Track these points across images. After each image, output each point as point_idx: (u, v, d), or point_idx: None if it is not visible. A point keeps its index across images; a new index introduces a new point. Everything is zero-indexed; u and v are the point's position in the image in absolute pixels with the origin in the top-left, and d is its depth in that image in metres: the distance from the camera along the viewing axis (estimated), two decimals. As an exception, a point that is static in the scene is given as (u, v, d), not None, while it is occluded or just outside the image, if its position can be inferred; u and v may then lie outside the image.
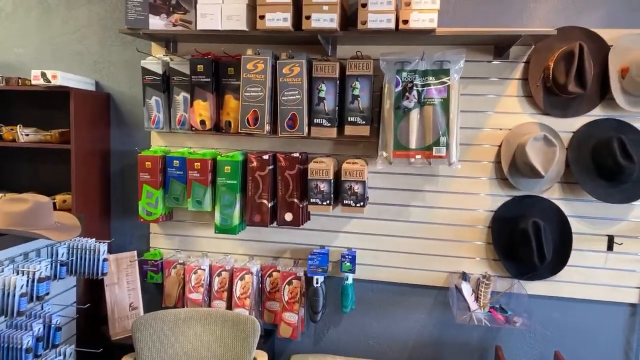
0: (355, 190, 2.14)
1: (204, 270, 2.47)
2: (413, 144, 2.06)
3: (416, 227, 2.36)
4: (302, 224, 2.31)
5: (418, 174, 2.33)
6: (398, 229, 2.38)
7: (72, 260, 2.09)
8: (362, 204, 2.15)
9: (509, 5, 2.22)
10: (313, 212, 2.40)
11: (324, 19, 1.96)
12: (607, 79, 2.10)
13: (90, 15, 2.55)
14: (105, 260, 2.14)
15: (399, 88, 2.07)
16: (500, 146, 2.25)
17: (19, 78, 2.37)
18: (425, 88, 2.05)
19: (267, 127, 2.16)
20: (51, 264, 2.01)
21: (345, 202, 2.16)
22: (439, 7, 1.90)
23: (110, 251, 2.59)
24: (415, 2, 1.90)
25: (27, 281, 1.77)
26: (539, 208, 2.22)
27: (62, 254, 2.06)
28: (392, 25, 1.93)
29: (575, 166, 2.16)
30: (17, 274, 1.79)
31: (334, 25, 1.96)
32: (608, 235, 2.21)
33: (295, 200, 2.24)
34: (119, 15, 2.51)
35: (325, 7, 1.96)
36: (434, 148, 2.04)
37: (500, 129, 2.25)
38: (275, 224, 2.30)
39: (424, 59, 2.07)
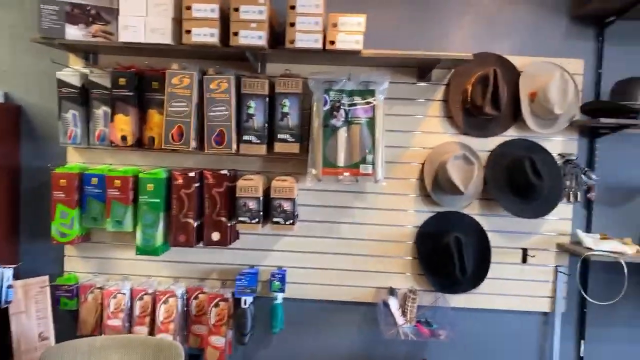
0: (285, 208, 2.13)
1: (124, 294, 2.32)
2: (341, 162, 2.09)
3: (345, 243, 2.38)
4: (230, 243, 2.24)
5: (347, 191, 2.36)
6: (328, 246, 2.38)
7: (-30, 288, 1.89)
8: (291, 221, 2.13)
9: (430, 29, 2.33)
10: (242, 230, 2.35)
11: (252, 36, 1.95)
12: (519, 102, 2.26)
13: (0, 22, 2.37)
14: (9, 287, 1.97)
15: (327, 107, 2.09)
16: (423, 164, 2.33)
17: None
18: (352, 108, 2.09)
19: (192, 143, 2.10)
20: (-56, 294, 1.80)
21: (275, 220, 2.13)
22: (364, 29, 1.96)
23: (17, 277, 2.36)
24: (341, 24, 1.95)
25: None
26: (461, 223, 2.32)
27: (-42, 282, 1.86)
28: (319, 45, 1.95)
29: (492, 183, 2.28)
30: None
31: (262, 42, 1.96)
32: (522, 249, 2.35)
33: (223, 219, 2.18)
34: (32, 23, 2.35)
35: (254, 25, 1.95)
36: (361, 166, 2.08)
37: (424, 148, 2.34)
38: (201, 244, 2.22)
39: (350, 79, 2.12)
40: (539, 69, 2.27)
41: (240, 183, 2.12)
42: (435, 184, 2.30)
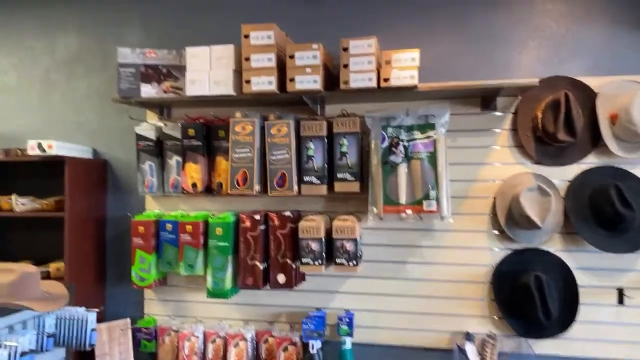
0: (348, 249, 2.09)
1: (197, 337, 2.38)
2: (403, 199, 2.03)
3: (415, 285, 2.27)
4: (296, 285, 2.24)
5: (413, 229, 2.28)
6: (396, 287, 2.29)
7: (60, 331, 2.04)
8: (355, 262, 2.08)
9: (492, 57, 2.25)
10: (307, 272, 2.34)
11: (307, 81, 2.00)
12: (597, 126, 2.07)
13: (89, 87, 2.65)
14: (93, 330, 2.08)
15: (386, 143, 2.06)
16: (495, 198, 2.19)
17: (18, 149, 2.44)
18: (411, 142, 2.04)
19: (256, 187, 2.15)
20: (37, 336, 1.96)
21: (338, 260, 2.10)
22: (418, 64, 1.93)
23: (103, 319, 2.53)
24: (395, 60, 1.93)
25: (9, 356, 1.72)
26: (541, 261, 2.13)
27: (50, 325, 2.01)
28: (373, 84, 1.95)
29: (573, 216, 2.08)
30: (2, 348, 1.74)
31: (318, 86, 2.00)
32: (617, 288, 2.09)
33: (288, 260, 2.19)
34: (115, 85, 2.60)
35: (309, 70, 2.00)
36: (424, 202, 2.00)
37: (494, 180, 2.21)
38: (268, 286, 2.23)
39: (408, 114, 2.08)
40: (618, 88, 2.07)
41: (302, 224, 2.12)
42: (510, 218, 2.14)
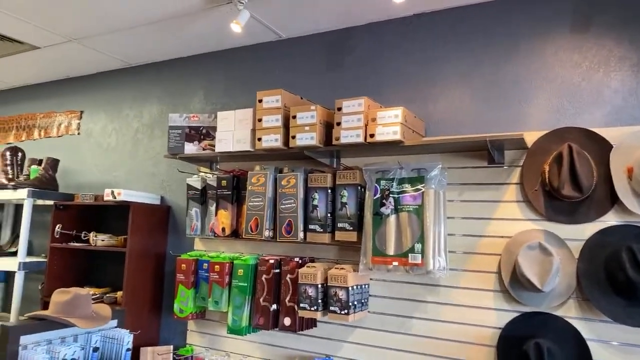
0: (340, 297, 2.16)
1: (222, 369, 2.61)
2: (391, 251, 2.05)
3: (419, 341, 2.21)
4: (301, 330, 2.34)
5: (418, 283, 2.24)
6: (401, 342, 2.25)
7: (103, 347, 2.44)
8: (346, 311, 2.14)
9: (502, 108, 2.19)
10: (305, 317, 2.43)
11: (306, 138, 2.20)
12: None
13: (162, 146, 3.21)
14: (128, 350, 2.45)
15: (377, 195, 2.13)
16: (501, 255, 2.07)
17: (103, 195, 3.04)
18: (400, 195, 2.08)
19: (266, 233, 2.37)
20: (84, 349, 2.37)
21: (331, 308, 2.17)
22: (401, 120, 2.01)
23: (156, 343, 2.91)
24: (380, 118, 2.04)
25: (51, 360, 2.13)
26: (552, 328, 1.93)
27: (96, 341, 2.43)
28: (360, 139, 2.07)
29: (585, 280, 1.87)
30: (47, 353, 2.17)
31: (314, 142, 2.18)
32: (645, 369, 1.78)
33: (294, 305, 2.32)
34: (180, 143, 3.11)
35: (307, 128, 2.21)
36: (410, 255, 2.00)
37: (502, 237, 2.10)
38: (277, 328, 2.38)
39: (402, 167, 2.13)
40: (637, 139, 1.86)
41: (301, 270, 2.26)
42: (514, 278, 2.00)
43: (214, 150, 2.60)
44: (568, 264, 1.92)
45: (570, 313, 1.92)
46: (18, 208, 3.81)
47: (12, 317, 3.02)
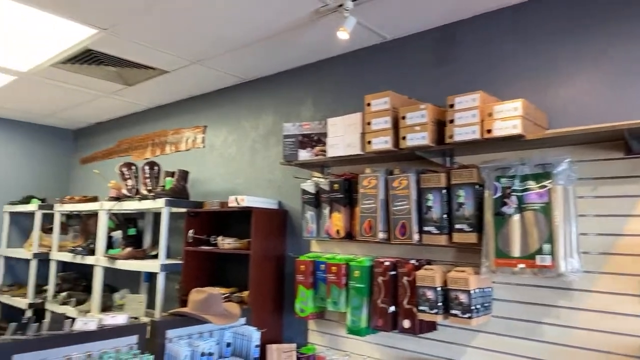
0: (461, 300, 2.09)
1: (343, 369, 2.67)
2: (516, 252, 1.94)
3: (550, 348, 2.05)
4: (421, 333, 2.31)
5: (548, 287, 2.09)
6: (530, 348, 2.11)
7: (235, 343, 2.64)
8: (469, 315, 2.06)
9: (637, 93, 1.96)
10: (424, 319, 2.38)
11: (417, 138, 2.18)
12: None
13: (277, 154, 3.38)
14: (257, 346, 2.62)
15: (498, 194, 2.03)
16: (648, 256, 1.85)
17: (228, 202, 3.29)
18: (524, 193, 1.96)
19: (380, 235, 2.38)
20: (219, 344, 2.59)
21: (452, 311, 2.11)
22: (521, 113, 1.89)
23: (280, 341, 3.08)
24: (497, 112, 1.94)
25: (192, 353, 2.37)
26: None
27: (228, 337, 2.64)
28: (477, 136, 1.99)
29: None
30: (188, 346, 2.42)
31: (426, 142, 2.15)
32: None
33: (413, 307, 2.31)
34: (293, 150, 3.25)
35: (418, 128, 2.18)
36: (537, 257, 1.87)
37: (647, 235, 1.87)
38: (397, 330, 2.38)
39: (525, 163, 2.00)
40: None
41: (419, 272, 2.23)
42: (665, 281, 1.77)
43: (326, 155, 2.68)
44: None
45: None
46: (156, 216, 4.29)
47: (157, 313, 3.41)
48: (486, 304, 2.18)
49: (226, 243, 3.21)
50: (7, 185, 5.15)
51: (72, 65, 3.40)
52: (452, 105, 2.09)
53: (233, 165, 3.71)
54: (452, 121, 2.08)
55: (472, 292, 2.07)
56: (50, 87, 3.97)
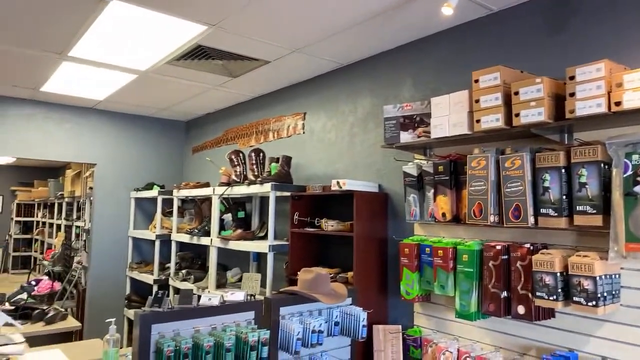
0: (585, 287, 1.95)
1: (451, 352, 2.63)
2: (651, 236, 1.75)
3: (694, 343, 1.84)
4: (538, 320, 2.20)
5: (691, 275, 1.87)
6: (668, 342, 1.92)
7: (342, 322, 2.73)
8: (594, 302, 1.92)
9: None
10: (542, 306, 2.25)
11: (532, 114, 2.04)
12: None
13: (377, 137, 3.37)
14: (364, 326, 2.68)
15: (629, 172, 1.84)
16: None
17: (329, 186, 3.37)
18: (662, 171, 1.75)
19: (491, 218, 2.29)
20: (327, 322, 2.70)
21: (575, 299, 1.98)
22: (659, 81, 1.68)
23: (386, 322, 3.12)
24: (627, 82, 1.75)
25: (304, 329, 2.49)
26: None
27: (336, 316, 2.73)
28: (602, 109, 1.82)
29: None
30: (300, 323, 2.54)
31: (542, 118, 2.01)
32: None
33: (528, 293, 2.20)
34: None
35: (533, 103, 2.04)
36: (679, 241, 1.68)
37: None
38: (509, 315, 2.29)
39: (661, 137, 1.79)
40: None
41: (535, 257, 2.11)
42: None
43: (429, 136, 2.62)
44: None
45: None
46: (262, 200, 4.52)
47: (267, 292, 3.62)
48: (614, 292, 2.01)
49: (330, 225, 3.29)
50: (131, 173, 5.75)
51: (185, 61, 3.67)
52: (572, 77, 1.92)
53: (333, 149, 3.78)
54: (572, 94, 1.91)
55: (598, 278, 1.92)
56: (166, 83, 4.33)
